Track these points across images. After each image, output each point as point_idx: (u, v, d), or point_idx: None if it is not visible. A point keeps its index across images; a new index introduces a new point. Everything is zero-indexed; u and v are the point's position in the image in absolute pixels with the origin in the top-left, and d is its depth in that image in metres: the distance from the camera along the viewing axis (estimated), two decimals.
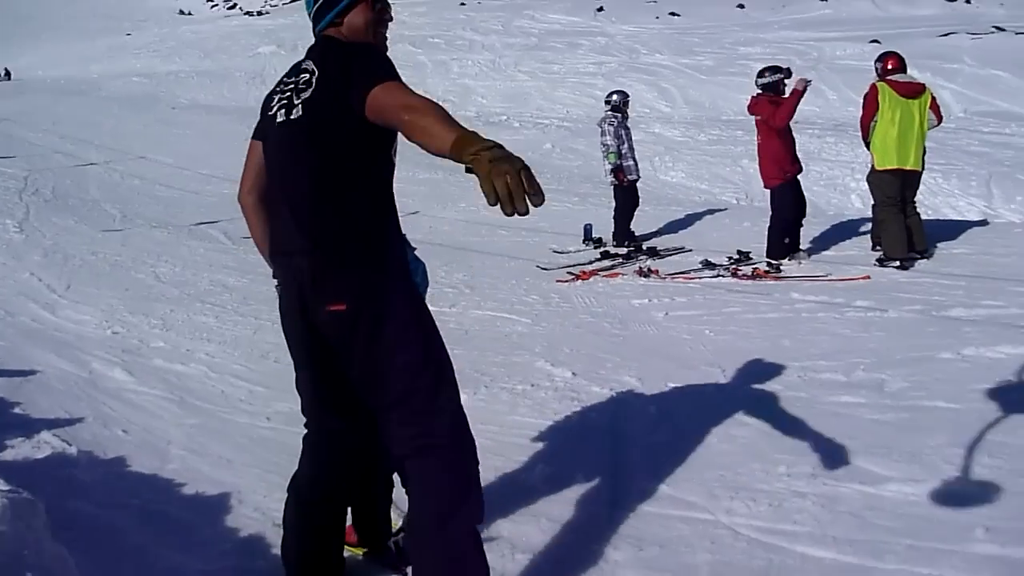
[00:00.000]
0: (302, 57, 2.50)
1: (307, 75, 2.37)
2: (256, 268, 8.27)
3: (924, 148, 8.00)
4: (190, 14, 62.50)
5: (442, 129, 2.00)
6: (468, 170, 1.84)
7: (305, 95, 2.34)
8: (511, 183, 1.73)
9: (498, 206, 1.74)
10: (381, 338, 2.34)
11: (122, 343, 5.69)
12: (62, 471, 3.64)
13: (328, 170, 2.33)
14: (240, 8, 59.47)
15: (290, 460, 2.74)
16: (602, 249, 9.55)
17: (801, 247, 8.54)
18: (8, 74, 37.58)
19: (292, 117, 2.36)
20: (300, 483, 2.66)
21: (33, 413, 4.43)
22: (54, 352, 5.34)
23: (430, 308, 2.51)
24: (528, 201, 1.74)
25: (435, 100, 2.16)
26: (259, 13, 53.71)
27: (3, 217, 9.99)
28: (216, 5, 66.08)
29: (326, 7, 2.43)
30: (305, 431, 2.66)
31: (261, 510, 3.33)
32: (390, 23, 2.52)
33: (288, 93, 2.41)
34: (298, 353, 2.55)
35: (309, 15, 2.50)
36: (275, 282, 2.55)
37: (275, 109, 2.44)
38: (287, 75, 2.49)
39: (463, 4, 41.79)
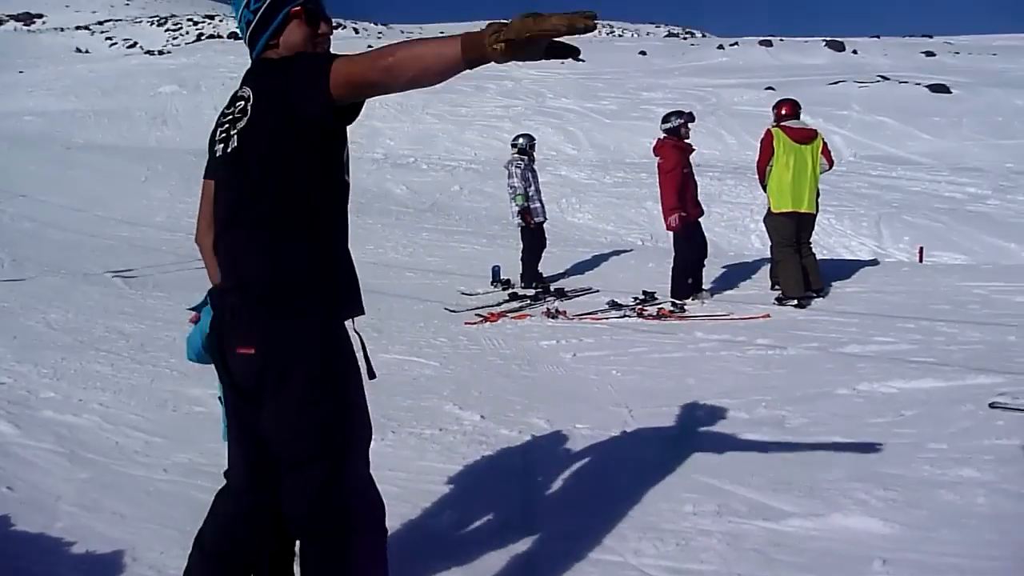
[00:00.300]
0: (227, 94, 2.39)
1: (242, 103, 2.25)
2: (154, 314, 8.01)
3: (817, 191, 8.35)
4: (87, 52, 60.86)
5: (437, 46, 1.89)
6: (509, 53, 1.81)
7: (241, 124, 2.22)
8: (557, 18, 1.73)
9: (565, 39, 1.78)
10: (289, 391, 2.19)
11: (8, 394, 5.39)
12: None
13: (263, 202, 2.20)
14: (141, 47, 58.28)
15: (189, 513, 2.64)
16: (510, 291, 9.59)
17: (704, 287, 8.75)
18: None
19: (229, 150, 2.25)
20: (207, 538, 2.47)
21: None
22: None
23: None
24: (585, 19, 1.73)
25: None
26: (160, 52, 52.71)
27: None
28: (115, 43, 64.59)
29: (259, 29, 2.30)
30: (218, 485, 2.50)
31: (157, 568, 3.18)
32: (331, 35, 2.38)
33: (226, 126, 2.29)
34: (224, 402, 2.39)
35: (244, 41, 2.37)
36: None
37: (216, 144, 2.33)
38: (226, 106, 2.36)
39: (370, 47, 41.95)
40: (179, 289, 9.24)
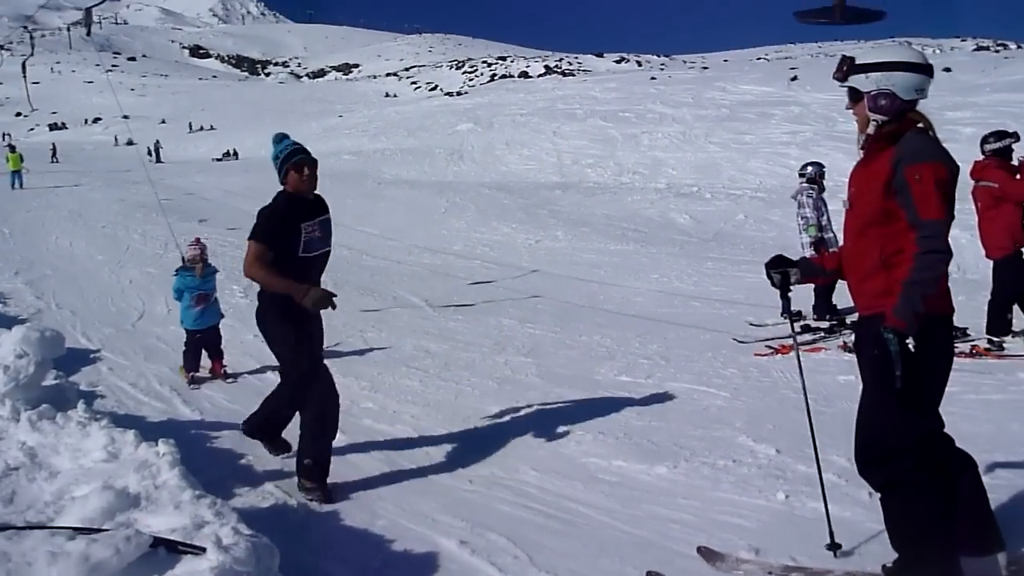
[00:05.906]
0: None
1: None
2: (455, 335, 8.58)
3: None
4: (396, 96, 66.66)
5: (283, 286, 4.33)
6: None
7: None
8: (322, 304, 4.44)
9: None
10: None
11: None
12: (284, 520, 3.90)
13: None
14: (441, 89, 62.85)
15: (497, 522, 2.80)
16: (802, 323, 9.20)
17: None
18: (236, 154, 41.41)
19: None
20: None
21: (256, 466, 4.81)
22: None
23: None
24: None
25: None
26: (458, 93, 56.51)
27: (230, 283, 10.86)
28: (419, 87, 70.13)
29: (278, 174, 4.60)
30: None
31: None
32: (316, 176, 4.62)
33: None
34: None
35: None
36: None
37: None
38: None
39: (653, 79, 42.22)
40: (478, 313, 9.83)
